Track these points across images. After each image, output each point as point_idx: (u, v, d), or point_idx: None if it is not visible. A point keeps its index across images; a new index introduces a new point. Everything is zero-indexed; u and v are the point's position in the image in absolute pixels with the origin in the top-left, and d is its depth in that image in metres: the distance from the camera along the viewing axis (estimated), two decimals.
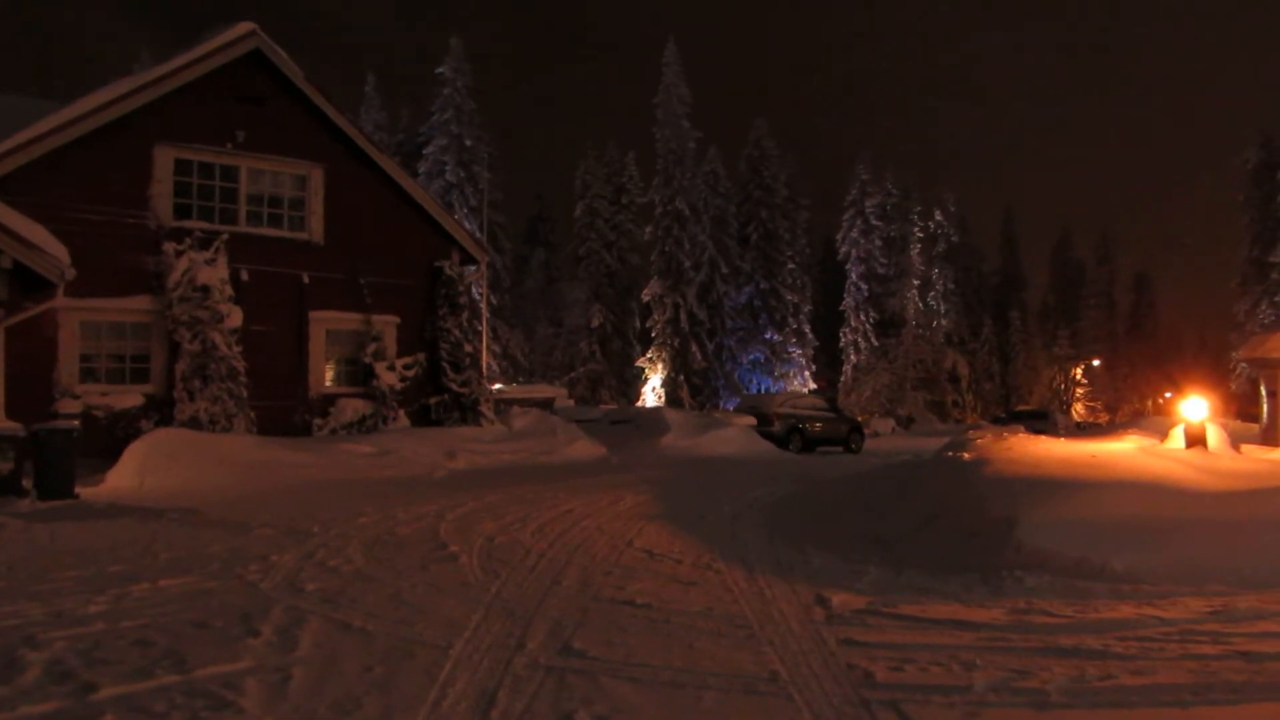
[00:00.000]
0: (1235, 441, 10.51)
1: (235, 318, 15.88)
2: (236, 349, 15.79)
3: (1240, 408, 42.76)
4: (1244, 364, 32.96)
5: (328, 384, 17.92)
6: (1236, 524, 7.55)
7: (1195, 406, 10.44)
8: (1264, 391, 12.75)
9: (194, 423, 15.00)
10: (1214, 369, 53.42)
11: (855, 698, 4.36)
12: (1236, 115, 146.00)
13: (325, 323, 17.78)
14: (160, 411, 15.37)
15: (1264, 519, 7.61)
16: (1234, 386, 48.01)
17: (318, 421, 17.36)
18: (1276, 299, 47.22)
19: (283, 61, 16.93)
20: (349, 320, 18.05)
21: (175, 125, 16.07)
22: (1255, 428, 13.25)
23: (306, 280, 17.46)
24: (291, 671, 4.59)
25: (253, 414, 15.96)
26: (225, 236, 16.15)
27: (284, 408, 16.93)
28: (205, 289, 15.55)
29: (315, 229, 17.74)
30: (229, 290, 15.92)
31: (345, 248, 17.91)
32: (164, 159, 16.03)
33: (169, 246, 15.67)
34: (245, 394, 15.82)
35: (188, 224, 16.00)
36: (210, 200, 16.58)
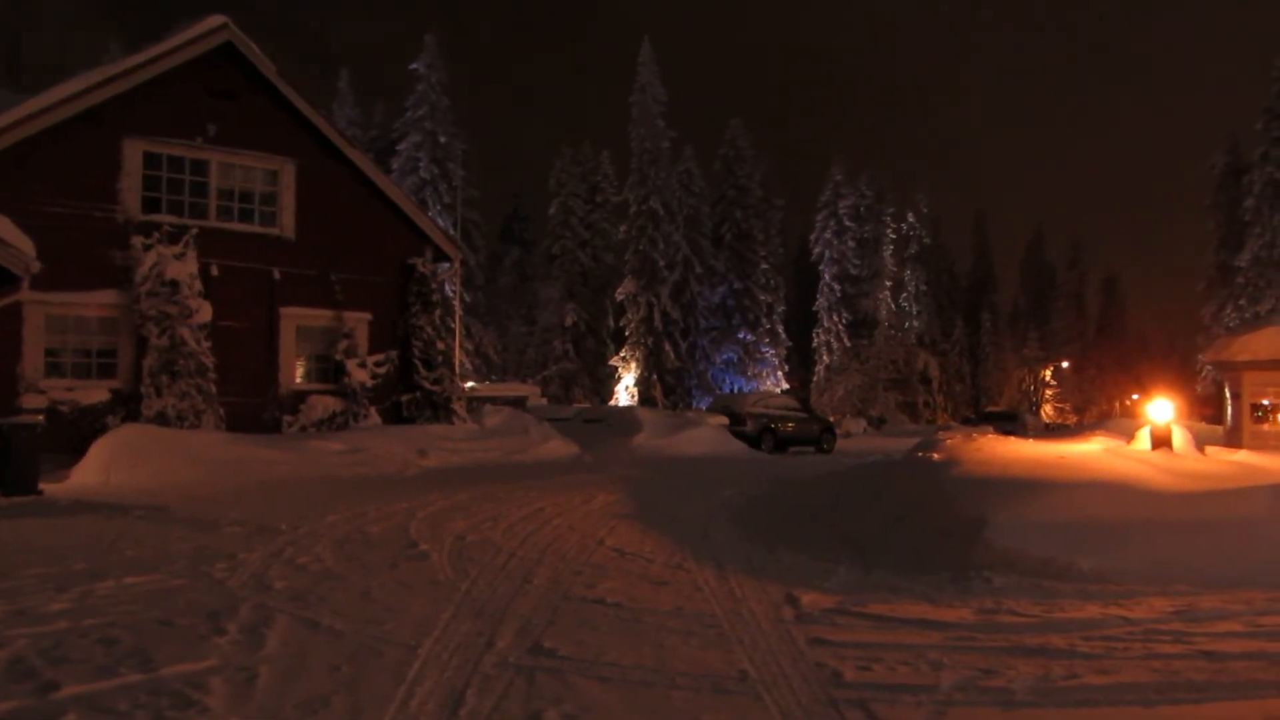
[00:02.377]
0: (1200, 443, 10.64)
1: (204, 313, 15.73)
2: (205, 345, 15.64)
3: (1206, 410, 43.40)
4: (1209, 367, 33.42)
5: (298, 381, 17.79)
6: (1200, 525, 7.65)
7: (1161, 409, 10.56)
8: (1228, 394, 12.92)
9: (161, 419, 14.84)
10: (1180, 372, 54.14)
11: (823, 697, 4.37)
12: (1206, 119, 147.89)
13: (296, 319, 17.64)
14: (127, 407, 15.20)
15: (1227, 520, 7.71)
16: (1200, 389, 48.63)
17: (288, 418, 17.21)
18: (1242, 303, 47.83)
19: (255, 55, 16.78)
20: (320, 317, 17.91)
21: (145, 118, 15.89)
22: (1220, 430, 13.42)
23: (277, 276, 17.31)
24: (258, 670, 4.54)
25: (222, 410, 15.82)
26: (195, 231, 15.99)
27: (254, 404, 16.79)
28: (174, 284, 15.39)
29: (287, 224, 17.60)
30: (198, 285, 15.77)
31: (317, 244, 17.78)
32: (133, 152, 15.85)
33: (137, 240, 15.50)
34: (214, 390, 15.67)
35: (157, 218, 15.83)
36: (180, 194, 16.42)
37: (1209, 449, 10.77)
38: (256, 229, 17.30)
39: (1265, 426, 12.37)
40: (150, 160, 16.10)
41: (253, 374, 16.94)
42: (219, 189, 16.91)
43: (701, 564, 7.59)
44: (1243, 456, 10.33)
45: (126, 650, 4.79)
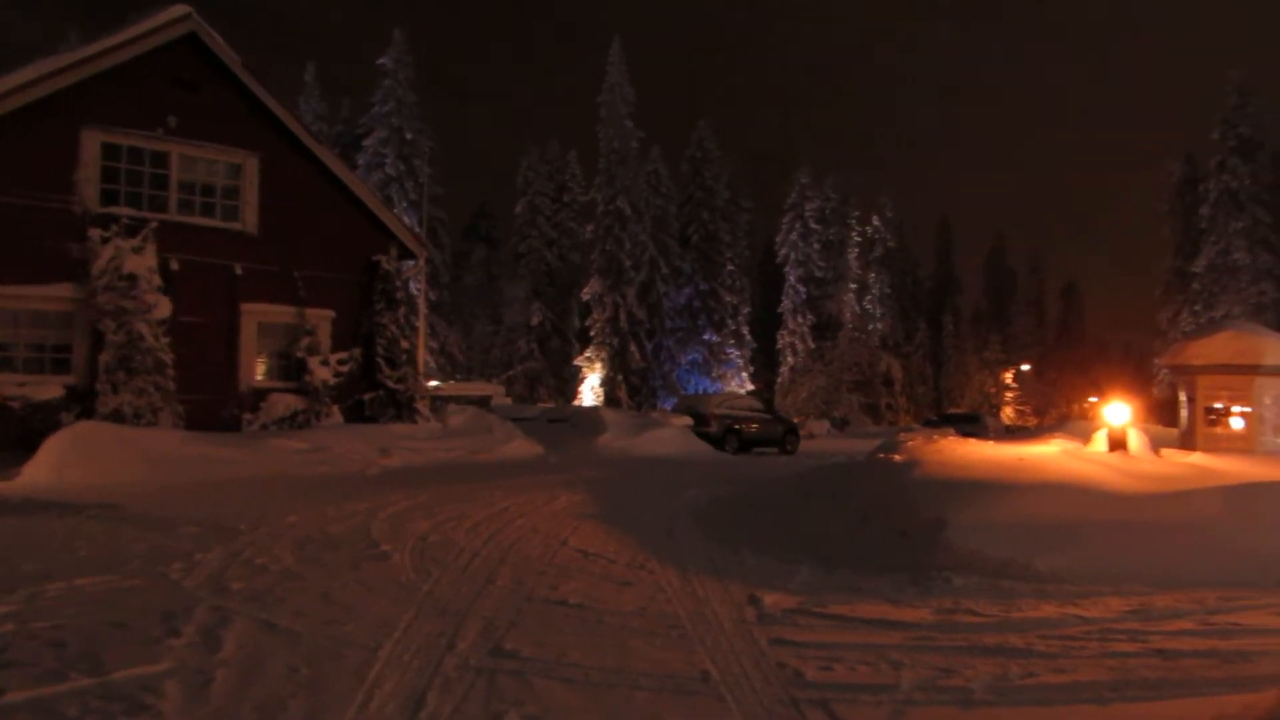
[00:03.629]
0: (1156, 445, 10.81)
1: (163, 308, 15.48)
2: (164, 340, 15.40)
3: (1162, 413, 44.06)
4: (1165, 370, 33.93)
5: (259, 378, 17.57)
6: (1155, 526, 7.77)
7: (1118, 411, 10.72)
8: (1183, 397, 13.12)
9: (117, 416, 14.60)
10: (1137, 375, 55.01)
11: (785, 697, 4.39)
12: (1164, 129, 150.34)
13: (257, 315, 17.42)
14: (81, 404, 14.92)
15: (1180, 521, 7.84)
16: (1156, 392, 49.38)
17: (248, 416, 16.99)
18: (1197, 308, 48.63)
19: (219, 46, 16.55)
20: (282, 313, 17.70)
21: (104, 108, 15.62)
22: (1175, 432, 13.62)
23: (239, 271, 17.09)
24: (214, 673, 4.48)
25: (180, 408, 15.58)
26: (154, 224, 15.73)
27: (213, 402, 16.56)
28: (132, 278, 15.14)
29: (249, 219, 17.38)
30: (157, 280, 15.52)
31: (280, 239, 17.57)
32: (91, 143, 15.57)
33: (95, 233, 15.22)
34: (172, 387, 15.43)
35: (115, 210, 15.57)
36: (139, 187, 16.15)
37: (1164, 451, 10.94)
38: (218, 223, 17.06)
39: (1218, 429, 12.57)
40: (109, 151, 15.83)
41: (212, 371, 16.71)
42: (180, 182, 16.65)
43: (665, 565, 7.59)
44: (1197, 459, 10.51)
45: (77, 653, 4.70)
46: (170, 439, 14.18)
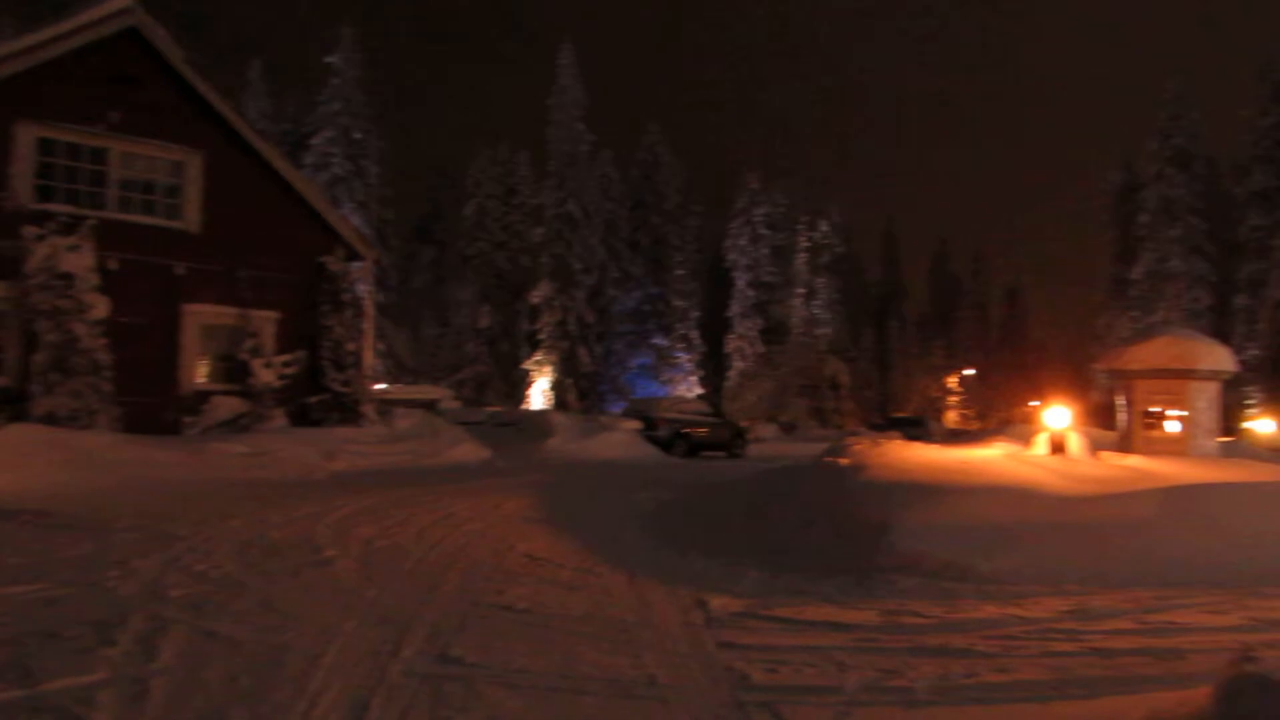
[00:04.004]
0: (1095, 448, 11.03)
1: (101, 308, 15.13)
2: (101, 341, 15.04)
3: (1101, 417, 44.99)
4: (1104, 375, 34.65)
5: (200, 381, 17.25)
6: (1093, 527, 7.93)
7: (1058, 415, 10.93)
8: (1121, 401, 13.40)
9: (51, 419, 14.22)
10: (1077, 379, 55.98)
11: (731, 700, 4.40)
12: (1105, 138, 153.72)
13: (199, 316, 17.11)
14: (13, 406, 14.50)
15: (1118, 522, 8.02)
16: (1095, 396, 50.40)
17: (189, 420, 16.66)
18: (1135, 314, 49.79)
19: (161, 41, 16.22)
20: (225, 314, 17.39)
21: (40, 102, 15.25)
22: (1113, 435, 13.92)
23: (180, 271, 16.77)
24: (150, 683, 4.37)
25: (117, 411, 15.22)
26: (93, 222, 15.37)
27: (152, 405, 16.21)
28: (68, 277, 14.78)
29: (191, 218, 17.06)
30: (95, 279, 15.16)
31: (223, 239, 17.26)
32: (26, 137, 15.19)
33: (29, 230, 14.82)
34: (109, 389, 15.08)
35: (51, 207, 15.19)
36: (77, 183, 15.79)
37: (1103, 454, 11.16)
38: (159, 222, 16.73)
39: (1155, 433, 12.85)
40: (46, 146, 15.45)
41: (152, 373, 16.37)
42: (120, 179, 16.31)
43: (612, 569, 7.58)
44: (1134, 461, 10.74)
45: (5, 664, 4.55)
46: (107, 442, 13.86)
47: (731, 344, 60.26)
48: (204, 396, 17.03)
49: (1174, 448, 12.45)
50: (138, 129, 16.30)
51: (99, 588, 6.28)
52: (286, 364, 17.97)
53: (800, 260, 62.57)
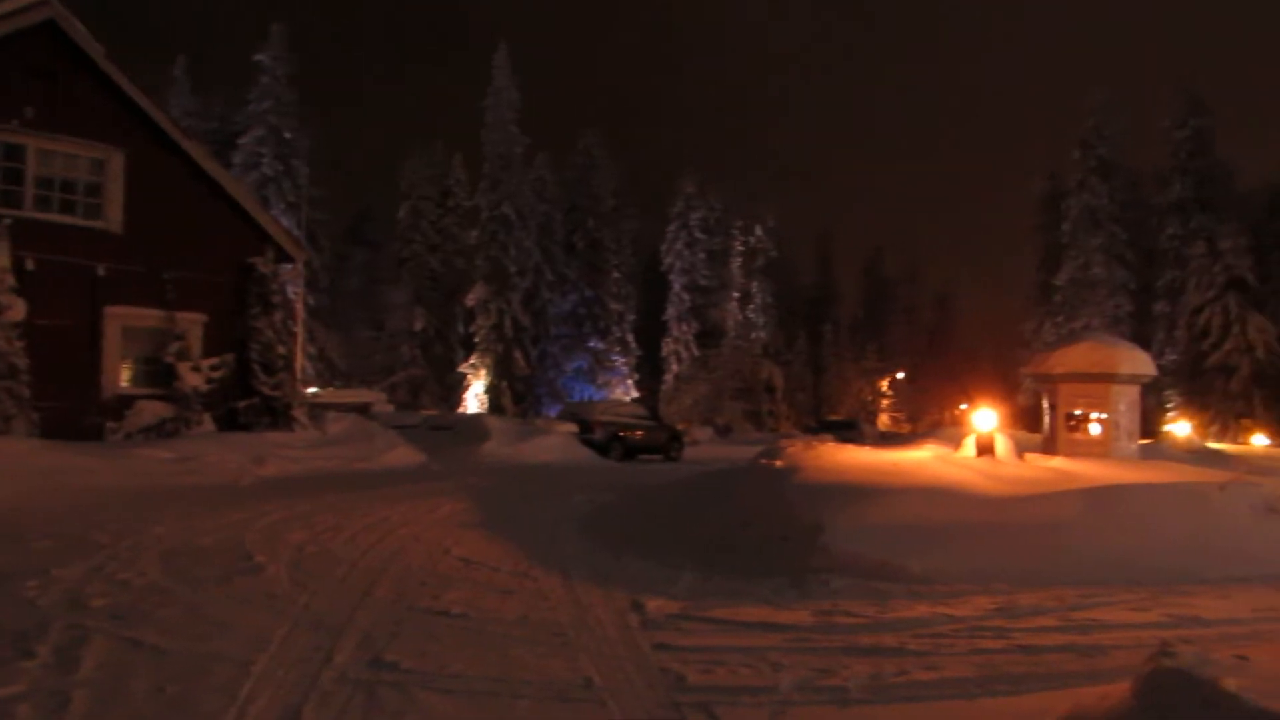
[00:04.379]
0: (1021, 450, 11.30)
1: (17, 310, 14.64)
2: (18, 344, 14.55)
3: (1027, 419, 46.03)
4: (1030, 379, 35.51)
5: (124, 385, 16.79)
6: (1019, 527, 8.14)
7: (985, 418, 11.17)
8: (1046, 404, 13.75)
9: None
10: (1004, 383, 57.19)
11: (667, 701, 4.43)
12: (1032, 146, 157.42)
13: (122, 319, 16.65)
14: None
15: (1042, 522, 8.23)
16: (1021, 399, 51.55)
17: (111, 425, 16.20)
18: (1059, 319, 51.07)
19: (80, 36, 15.77)
20: (149, 317, 16.95)
21: None
22: (1038, 438, 14.27)
23: (102, 272, 16.31)
24: (71, 694, 4.25)
25: (35, 416, 14.73)
26: (8, 221, 14.88)
27: (73, 410, 15.73)
28: None
29: (113, 218, 16.60)
30: (10, 280, 14.67)
31: (147, 239, 16.82)
32: None
33: None
34: (27, 394, 14.60)
35: None
36: None
37: (1028, 456, 11.44)
38: (79, 221, 16.26)
39: (1077, 435, 13.21)
40: None
41: (72, 377, 15.89)
42: (37, 177, 15.81)
43: (548, 572, 7.56)
44: (1058, 463, 11.03)
45: None
46: (25, 449, 13.42)
47: (667, 347, 60.45)
48: (128, 401, 16.58)
49: (1096, 449, 12.81)
50: (56, 125, 15.82)
51: (17, 598, 6.08)
52: (214, 367, 17.58)
53: (735, 264, 63.03)
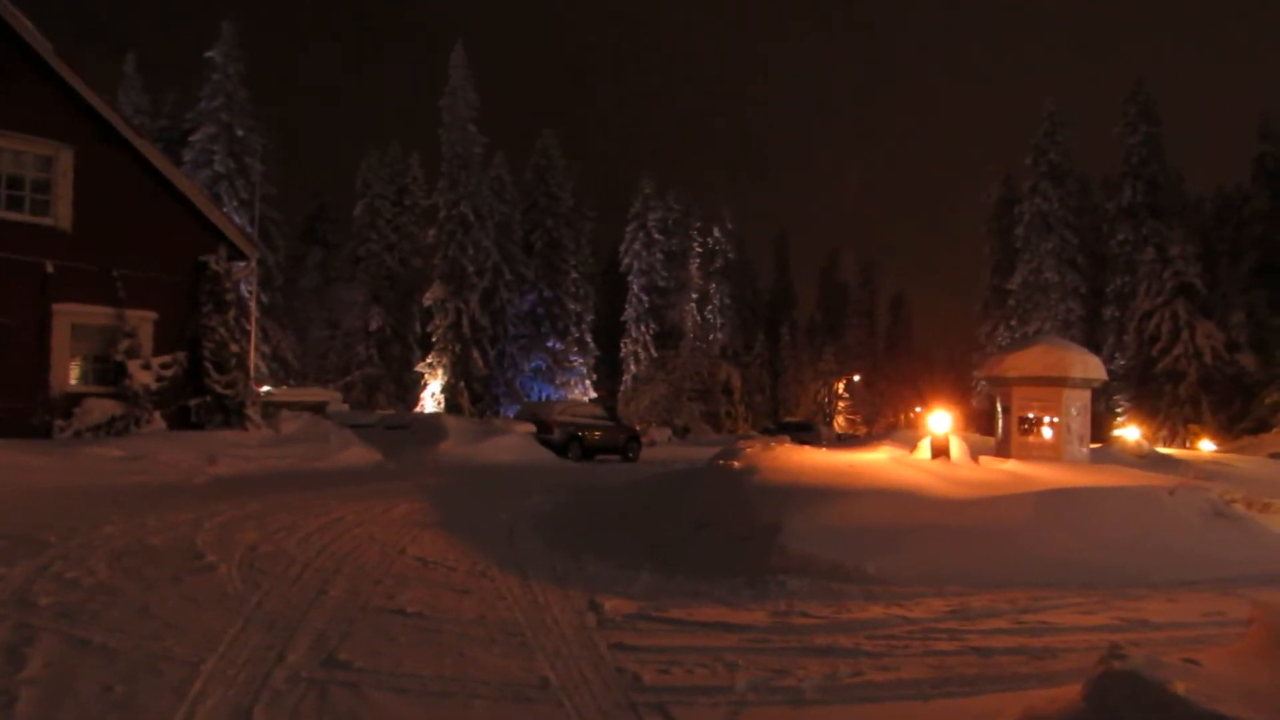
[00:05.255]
0: (975, 453, 11.45)
1: None
2: None
3: (980, 422, 46.67)
4: (983, 382, 35.96)
5: (73, 383, 16.47)
6: (973, 529, 8.23)
7: (940, 420, 11.30)
8: (999, 408, 13.93)
9: None
10: (958, 386, 57.99)
11: (624, 701, 4.43)
12: (985, 152, 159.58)
13: (71, 316, 16.33)
14: None
15: (996, 524, 8.34)
16: (975, 403, 52.24)
17: (60, 423, 15.89)
18: (1013, 323, 51.82)
19: (27, 32, 15.45)
20: (99, 314, 16.65)
21: None
22: (992, 440, 14.45)
23: (50, 269, 15.99)
24: (17, 693, 4.17)
25: None
26: None
27: (20, 408, 15.41)
28: None
29: (62, 214, 16.28)
30: None
31: (97, 236, 16.52)
32: None
33: None
34: None
35: None
36: None
37: (982, 458, 11.59)
38: (27, 218, 15.92)
39: (1030, 438, 13.41)
40: None
41: (20, 375, 15.56)
42: None
43: (506, 572, 7.54)
44: (1011, 466, 11.19)
45: None
46: None
47: (626, 348, 60.48)
48: (76, 399, 16.27)
49: (1048, 453, 13.01)
50: (3, 122, 15.48)
51: None
52: (165, 365, 17.31)
53: (694, 265, 63.22)
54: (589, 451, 25.94)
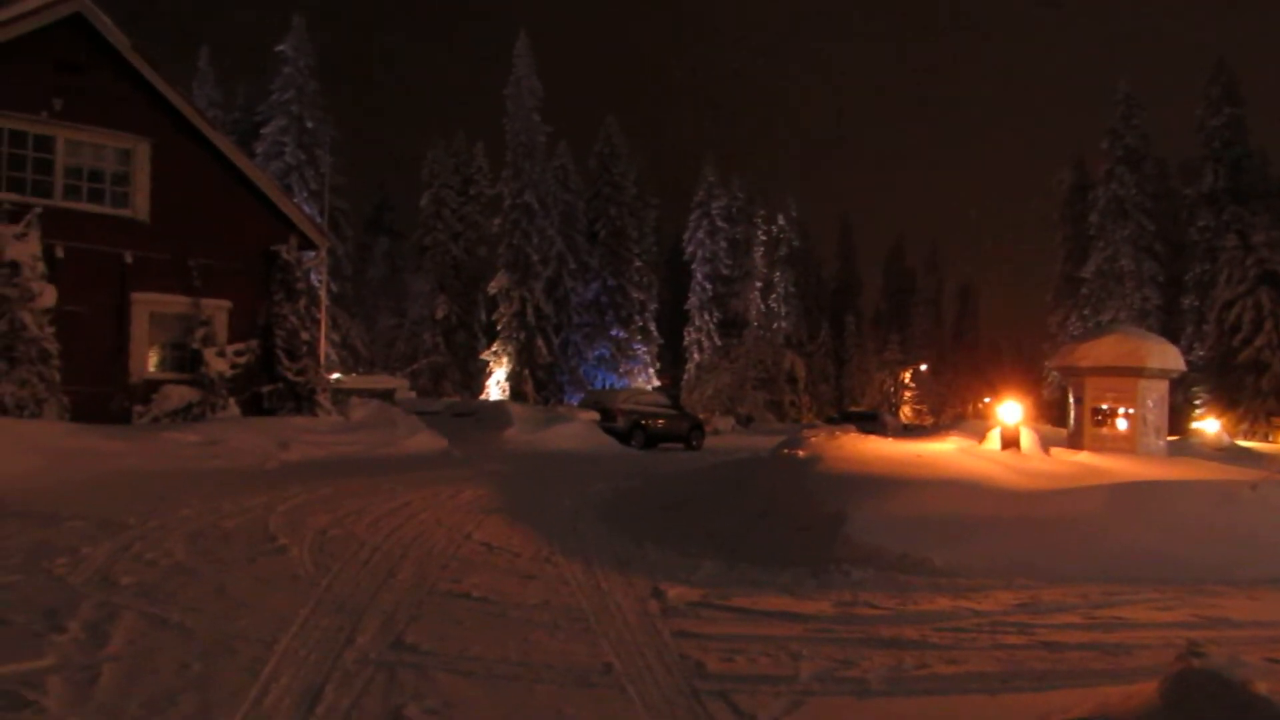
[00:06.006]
0: (1046, 444, 11.21)
1: (48, 297, 14.80)
2: (49, 330, 14.72)
3: (1051, 413, 45.75)
4: (1055, 372, 35.22)
5: (151, 370, 16.96)
6: (1044, 521, 8.06)
7: (1010, 411, 11.09)
8: (1071, 399, 13.62)
9: None
10: (1029, 376, 56.84)
11: (686, 688, 4.43)
12: (1057, 137, 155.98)
13: (149, 305, 16.81)
14: None
15: (1067, 517, 8.15)
16: (1046, 393, 51.20)
17: (139, 409, 16.38)
18: (1086, 312, 50.57)
19: (106, 28, 15.89)
20: (176, 303, 17.10)
21: None
22: (1064, 432, 14.14)
23: (129, 260, 16.46)
24: (101, 669, 4.32)
25: (66, 399, 14.91)
26: (39, 210, 15.03)
27: (101, 394, 15.91)
28: (14, 265, 14.43)
29: (140, 206, 16.75)
30: (41, 267, 14.82)
31: (173, 227, 16.96)
32: None
33: None
34: (58, 378, 14.77)
35: None
36: (22, 171, 15.45)
37: (1053, 450, 11.35)
38: (107, 210, 16.41)
39: (1104, 430, 13.07)
40: None
41: (101, 362, 16.07)
42: (66, 167, 15.98)
43: (569, 558, 7.59)
44: (1084, 458, 10.94)
45: None
46: (55, 431, 13.60)
47: (689, 336, 60.35)
48: (154, 385, 16.74)
49: (1123, 445, 12.68)
50: (84, 116, 15.96)
51: (48, 575, 6.18)
52: (239, 353, 17.73)
53: (758, 253, 62.83)
54: (652, 440, 25.98)
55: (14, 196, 15.04)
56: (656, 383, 55.36)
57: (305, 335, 18.67)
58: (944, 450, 10.47)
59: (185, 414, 16.72)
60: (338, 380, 30.27)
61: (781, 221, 66.28)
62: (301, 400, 18.25)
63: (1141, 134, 50.45)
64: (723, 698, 4.30)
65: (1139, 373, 12.77)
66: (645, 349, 56.50)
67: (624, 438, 24.57)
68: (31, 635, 4.79)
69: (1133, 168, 49.80)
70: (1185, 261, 48.92)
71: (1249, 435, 38.70)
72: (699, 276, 60.50)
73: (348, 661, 4.60)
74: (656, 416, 26.66)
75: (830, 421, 44.23)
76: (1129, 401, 12.89)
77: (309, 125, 44.12)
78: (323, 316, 24.35)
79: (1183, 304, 48.90)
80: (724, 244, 61.09)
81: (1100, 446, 12.52)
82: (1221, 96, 47.52)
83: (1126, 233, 49.40)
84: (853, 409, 54.31)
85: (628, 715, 4.09)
